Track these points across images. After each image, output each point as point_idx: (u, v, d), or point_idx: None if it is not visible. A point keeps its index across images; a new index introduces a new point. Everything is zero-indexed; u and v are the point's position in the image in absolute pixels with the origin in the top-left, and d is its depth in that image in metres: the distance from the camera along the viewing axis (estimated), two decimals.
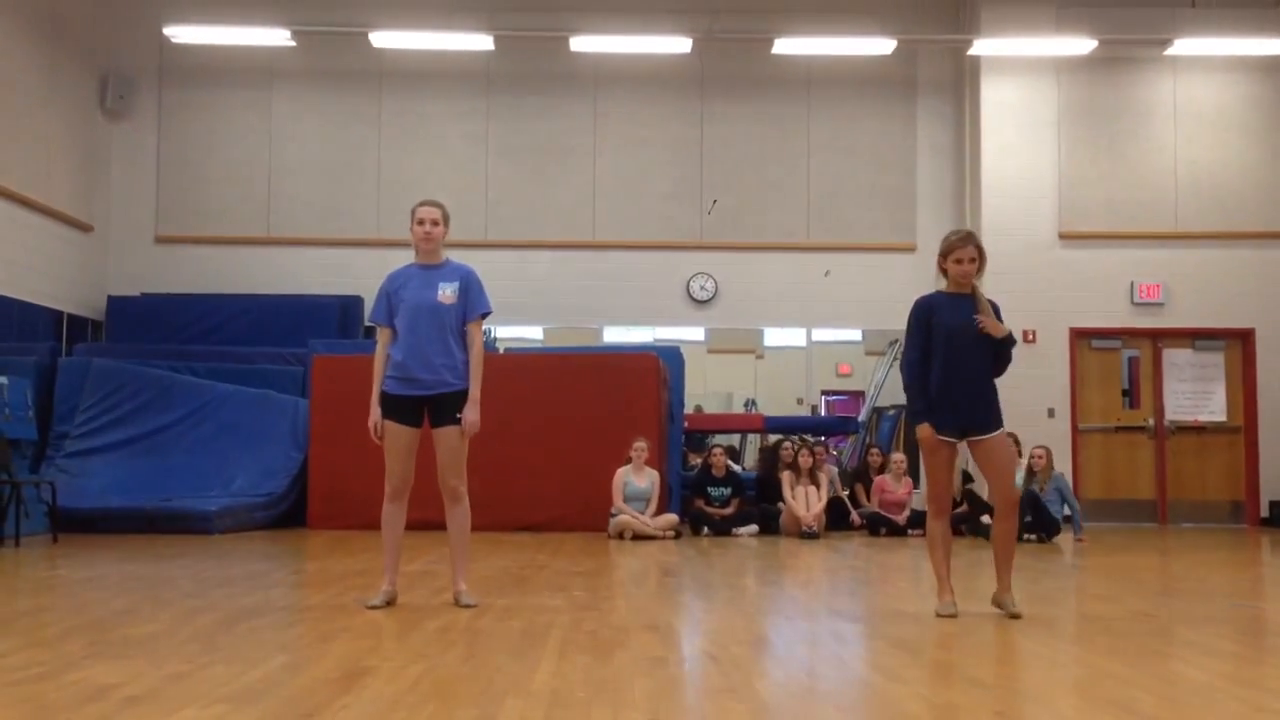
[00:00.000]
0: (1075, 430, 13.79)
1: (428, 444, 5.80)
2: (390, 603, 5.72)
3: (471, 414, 5.70)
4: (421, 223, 5.77)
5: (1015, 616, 5.49)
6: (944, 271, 5.82)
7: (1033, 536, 10.63)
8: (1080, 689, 4.02)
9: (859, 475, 12.75)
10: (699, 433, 14.69)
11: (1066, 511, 11.11)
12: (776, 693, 3.92)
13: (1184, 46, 13.71)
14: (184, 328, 13.55)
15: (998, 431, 5.68)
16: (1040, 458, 11.18)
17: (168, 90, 14.48)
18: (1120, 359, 14.16)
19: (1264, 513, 13.68)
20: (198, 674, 3.98)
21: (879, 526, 11.59)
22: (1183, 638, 5.20)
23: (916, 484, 11.73)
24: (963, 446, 5.75)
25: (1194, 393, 14.04)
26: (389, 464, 5.73)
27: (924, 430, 5.68)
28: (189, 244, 14.36)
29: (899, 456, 12.30)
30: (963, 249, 5.72)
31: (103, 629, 4.98)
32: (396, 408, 5.70)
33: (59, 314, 13.25)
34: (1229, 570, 8.93)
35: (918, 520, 10.92)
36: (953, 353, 5.64)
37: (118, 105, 14.13)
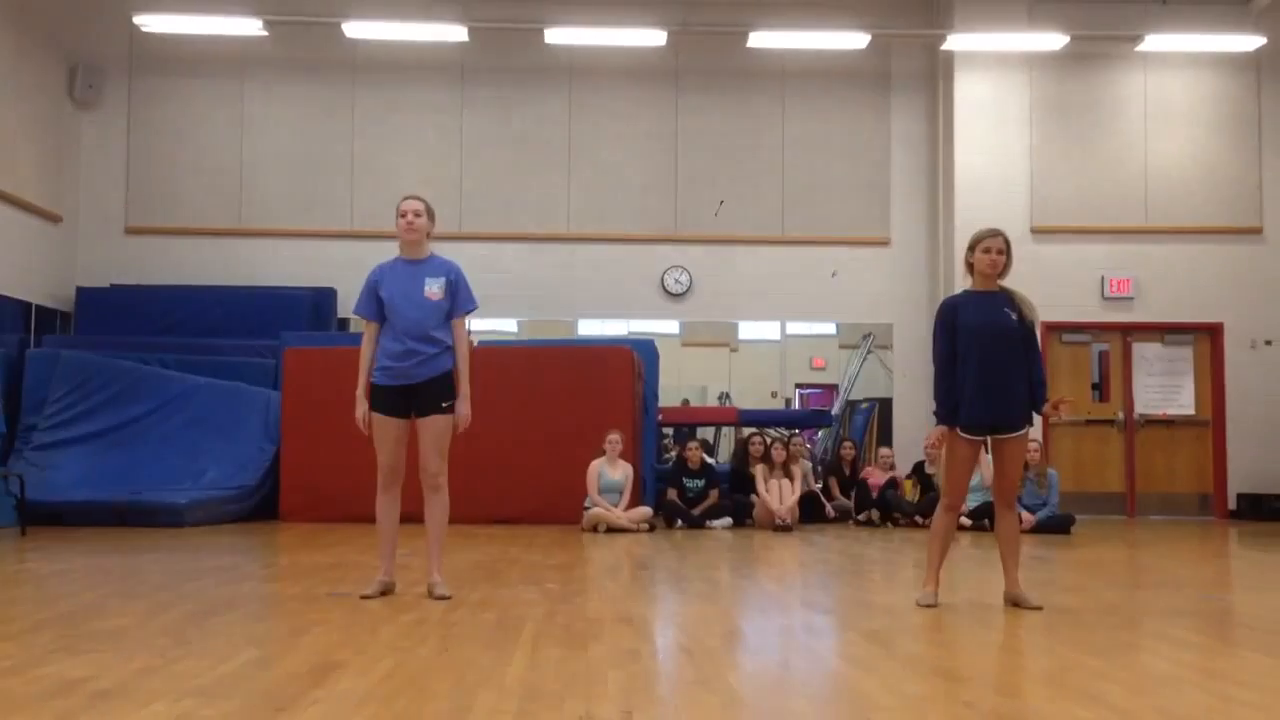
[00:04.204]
0: (1045, 423, 13.86)
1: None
2: (386, 592, 5.78)
3: (464, 408, 5.77)
4: (404, 215, 5.84)
5: (1038, 609, 5.53)
6: (970, 267, 5.83)
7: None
8: (1050, 680, 4.05)
9: (832, 469, 12.80)
10: (688, 425, 14.72)
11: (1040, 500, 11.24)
12: (749, 685, 3.93)
13: (1155, 43, 13.82)
14: (154, 319, 13.44)
15: (1024, 430, 5.70)
16: (1034, 451, 11.24)
17: (138, 79, 14.35)
18: (1090, 353, 14.27)
19: (1231, 505, 13.83)
20: (168, 668, 3.95)
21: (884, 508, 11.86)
22: (1152, 629, 5.25)
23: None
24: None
25: (1163, 386, 14.17)
26: (380, 456, 5.80)
27: (939, 431, 5.70)
28: (159, 235, 14.23)
29: (886, 450, 12.45)
30: (991, 239, 5.76)
31: (71, 622, 4.94)
32: (384, 400, 5.75)
33: (27, 305, 13.11)
34: (1197, 562, 9.01)
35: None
36: (984, 351, 5.61)
37: (87, 94, 13.98)
